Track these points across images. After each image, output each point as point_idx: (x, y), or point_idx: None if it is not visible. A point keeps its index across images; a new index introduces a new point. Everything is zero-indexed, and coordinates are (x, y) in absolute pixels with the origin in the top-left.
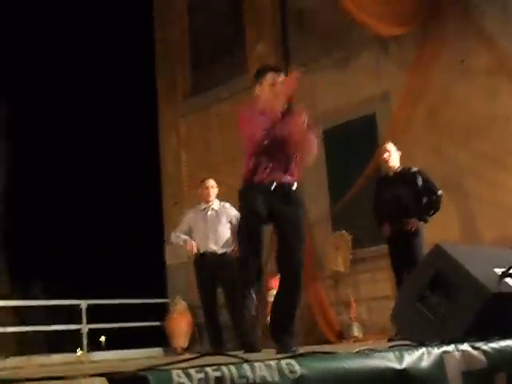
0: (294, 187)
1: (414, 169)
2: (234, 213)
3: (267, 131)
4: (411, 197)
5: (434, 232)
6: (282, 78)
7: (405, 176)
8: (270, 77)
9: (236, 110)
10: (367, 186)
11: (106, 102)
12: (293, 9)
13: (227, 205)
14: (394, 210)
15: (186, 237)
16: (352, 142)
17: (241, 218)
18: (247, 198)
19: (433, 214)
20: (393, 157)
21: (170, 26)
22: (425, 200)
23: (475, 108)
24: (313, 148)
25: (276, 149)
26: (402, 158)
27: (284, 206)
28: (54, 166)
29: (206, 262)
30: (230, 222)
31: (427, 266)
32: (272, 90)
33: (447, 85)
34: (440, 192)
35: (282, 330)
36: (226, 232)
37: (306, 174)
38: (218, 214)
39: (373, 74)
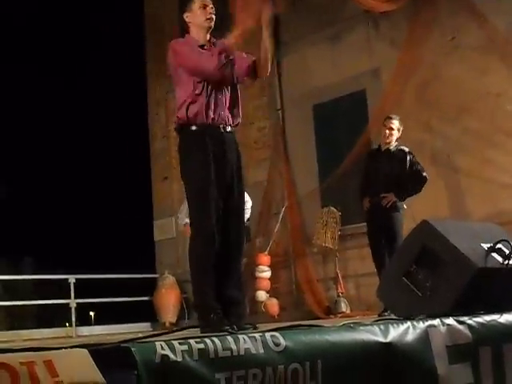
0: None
1: (406, 149)
2: None
3: (222, 62)
4: (396, 175)
5: (423, 208)
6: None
7: (395, 154)
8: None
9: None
10: (357, 162)
11: (95, 78)
12: None
13: None
14: (376, 185)
15: None
16: (342, 118)
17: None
18: (199, 143)
19: (411, 195)
20: (394, 133)
21: (160, 0)
22: (409, 181)
23: (466, 84)
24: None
25: (224, 85)
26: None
27: (224, 153)
28: (42, 143)
29: None
30: None
31: (414, 241)
32: (204, 12)
33: (438, 61)
34: (426, 176)
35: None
36: None
37: (296, 149)
38: None
39: (364, 50)
